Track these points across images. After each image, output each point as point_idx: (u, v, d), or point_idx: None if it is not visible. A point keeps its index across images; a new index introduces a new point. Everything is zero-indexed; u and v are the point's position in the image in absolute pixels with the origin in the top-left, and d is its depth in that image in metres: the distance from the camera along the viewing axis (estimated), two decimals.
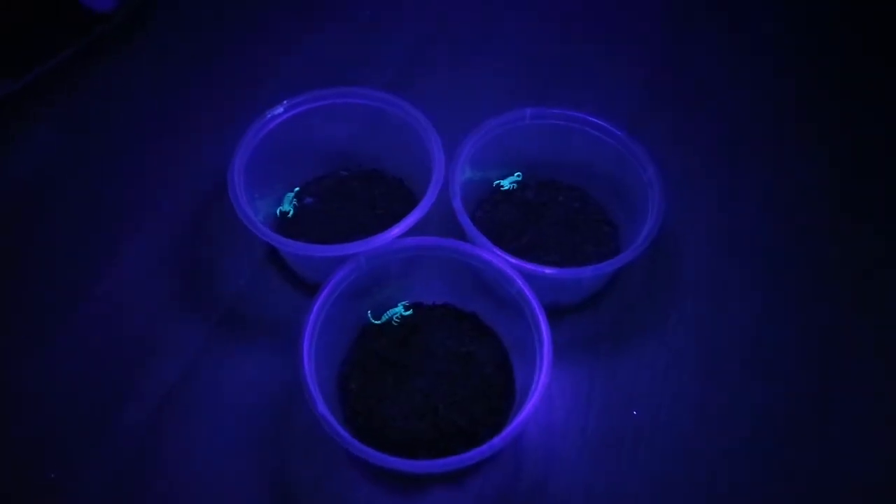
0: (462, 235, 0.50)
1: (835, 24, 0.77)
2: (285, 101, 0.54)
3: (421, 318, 0.51)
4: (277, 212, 0.57)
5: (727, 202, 0.62)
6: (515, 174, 0.59)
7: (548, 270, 0.47)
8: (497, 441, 0.40)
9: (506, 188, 0.59)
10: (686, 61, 0.74)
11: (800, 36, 0.76)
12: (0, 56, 0.64)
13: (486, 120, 0.54)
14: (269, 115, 0.54)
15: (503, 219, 0.57)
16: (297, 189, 0.58)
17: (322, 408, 0.41)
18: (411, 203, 0.56)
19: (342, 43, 0.74)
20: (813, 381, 0.52)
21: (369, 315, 0.51)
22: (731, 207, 0.62)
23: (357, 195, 0.58)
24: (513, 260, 0.47)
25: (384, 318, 0.51)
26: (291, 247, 0.47)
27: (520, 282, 0.46)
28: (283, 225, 0.57)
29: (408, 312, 0.51)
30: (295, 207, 0.57)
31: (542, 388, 0.42)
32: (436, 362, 0.49)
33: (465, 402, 0.48)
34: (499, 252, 0.48)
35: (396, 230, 0.48)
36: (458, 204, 0.50)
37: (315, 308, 0.45)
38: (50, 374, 0.51)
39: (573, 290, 0.54)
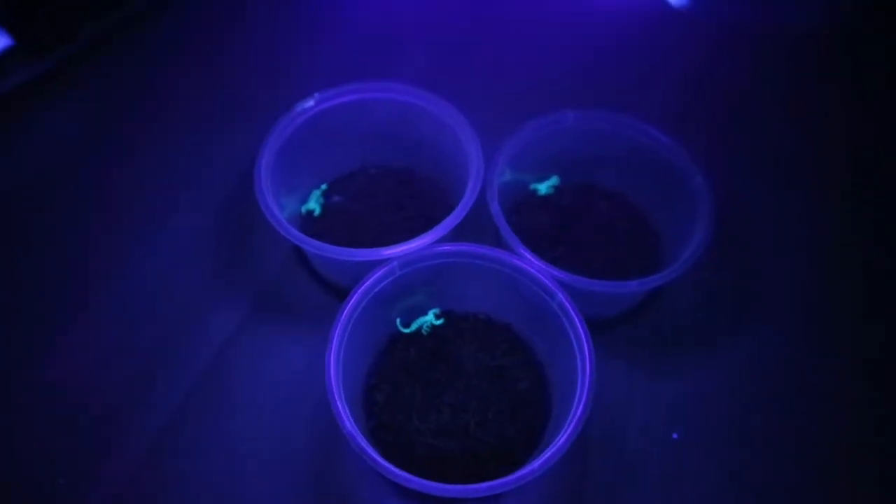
0: (495, 238, 0.48)
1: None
2: (316, 94, 0.52)
3: (452, 327, 0.49)
4: (303, 210, 0.54)
5: (778, 212, 0.59)
6: (552, 178, 0.56)
7: (592, 284, 0.44)
8: (536, 466, 0.38)
9: (542, 193, 0.56)
10: (725, 68, 0.70)
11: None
12: (21, 35, 0.61)
13: (528, 121, 0.52)
14: (298, 109, 0.51)
15: (539, 226, 0.54)
16: (324, 187, 0.56)
17: (350, 425, 0.38)
18: (443, 204, 0.55)
19: (376, 35, 0.71)
20: (868, 406, 0.49)
21: (398, 323, 0.48)
22: (781, 217, 0.59)
23: (387, 194, 0.56)
24: (555, 271, 0.45)
25: (413, 326, 0.48)
26: (319, 248, 0.45)
27: (561, 295, 0.43)
28: (308, 224, 0.54)
29: (439, 321, 0.49)
30: (322, 206, 0.54)
31: (583, 412, 0.40)
32: (467, 376, 0.47)
33: (497, 419, 0.45)
34: (539, 262, 0.45)
35: (433, 235, 0.45)
36: (496, 209, 0.48)
37: (345, 313, 0.42)
38: (69, 365, 0.49)
39: (613, 303, 0.51)
